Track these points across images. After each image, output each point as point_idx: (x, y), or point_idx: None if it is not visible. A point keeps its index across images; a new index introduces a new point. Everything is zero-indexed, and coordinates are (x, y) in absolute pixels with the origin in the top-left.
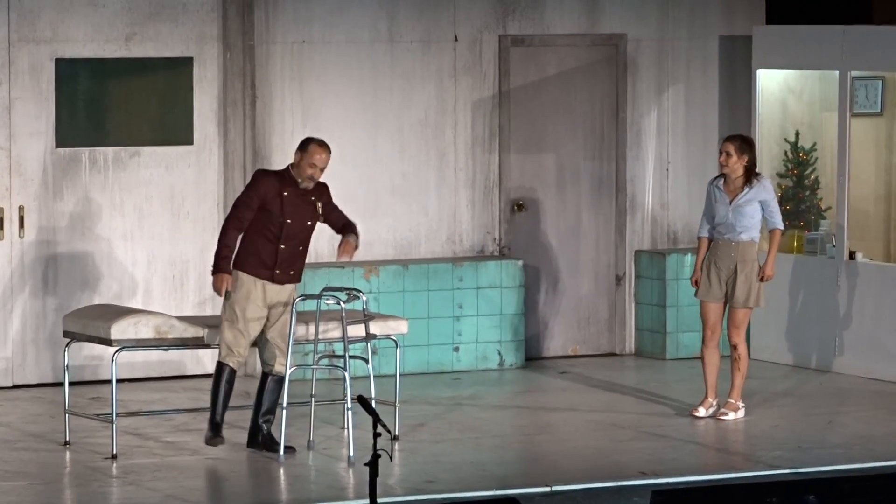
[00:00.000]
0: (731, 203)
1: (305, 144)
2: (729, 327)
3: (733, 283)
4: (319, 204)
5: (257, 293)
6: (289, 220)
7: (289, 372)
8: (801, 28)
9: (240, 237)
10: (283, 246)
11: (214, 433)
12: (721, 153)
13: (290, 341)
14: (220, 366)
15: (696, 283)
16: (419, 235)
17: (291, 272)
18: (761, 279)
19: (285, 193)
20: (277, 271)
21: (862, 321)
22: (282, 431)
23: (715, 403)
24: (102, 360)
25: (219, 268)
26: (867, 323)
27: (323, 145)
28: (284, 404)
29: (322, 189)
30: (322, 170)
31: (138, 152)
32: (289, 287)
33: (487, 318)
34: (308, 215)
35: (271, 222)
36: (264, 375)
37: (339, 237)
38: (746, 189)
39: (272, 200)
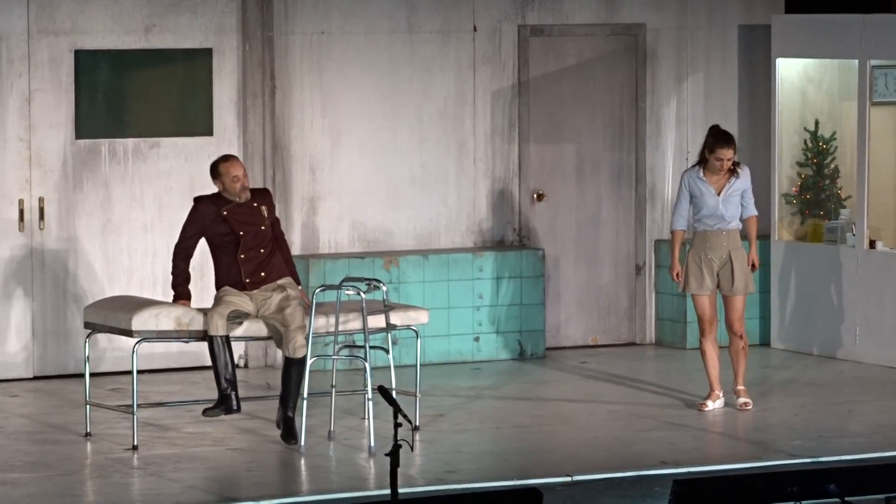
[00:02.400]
0: (719, 194)
1: (216, 168)
2: (732, 317)
3: (729, 272)
4: (264, 208)
5: (240, 292)
6: (241, 233)
7: (309, 362)
8: (821, 17)
9: (188, 264)
10: (242, 256)
11: (216, 403)
12: (720, 161)
13: (307, 326)
14: (207, 338)
15: (678, 277)
16: (439, 225)
17: (262, 274)
18: (752, 269)
19: (224, 212)
20: (247, 280)
21: (882, 310)
22: (303, 422)
23: (721, 395)
24: (122, 351)
25: (177, 295)
26: (888, 311)
27: (229, 158)
28: (305, 395)
29: (264, 195)
30: (244, 175)
31: (158, 143)
32: (270, 286)
33: (507, 307)
34: (258, 221)
35: (227, 239)
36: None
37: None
38: (734, 179)
39: (215, 222)
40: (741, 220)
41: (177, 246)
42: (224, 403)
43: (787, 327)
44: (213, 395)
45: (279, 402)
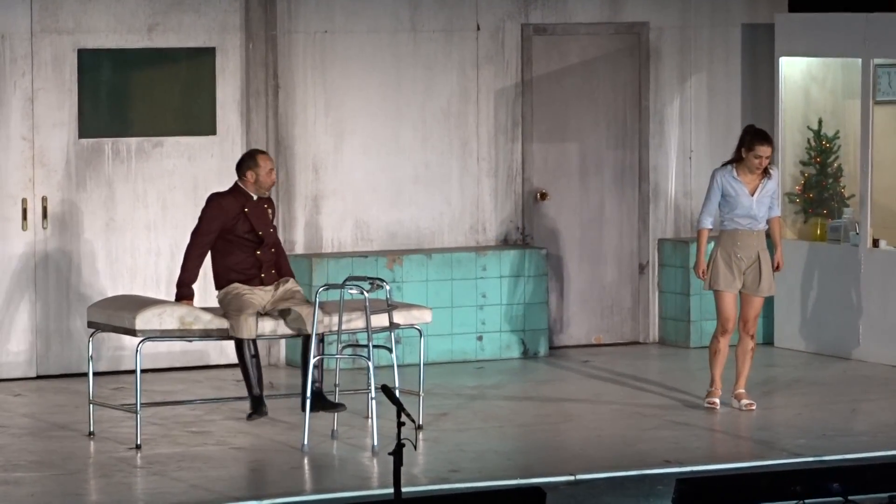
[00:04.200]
0: (753, 194)
1: (252, 160)
2: (749, 316)
3: (756, 271)
4: (270, 211)
5: (252, 287)
6: (260, 232)
7: (313, 360)
8: (824, 16)
9: (202, 262)
10: (259, 252)
11: (253, 408)
12: (758, 158)
13: (314, 315)
14: (238, 342)
15: (705, 275)
16: (442, 225)
17: (273, 271)
18: (777, 269)
19: (246, 209)
20: (263, 275)
21: (885, 309)
22: (306, 421)
23: (721, 391)
24: (125, 350)
25: (182, 294)
26: (891, 310)
27: (265, 152)
28: (308, 394)
29: (270, 201)
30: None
31: (161, 143)
32: (278, 282)
33: (511, 307)
34: (270, 222)
35: (243, 237)
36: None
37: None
38: (766, 179)
39: (236, 219)
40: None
41: (194, 242)
42: (262, 406)
43: (792, 326)
44: (216, 393)
45: (311, 389)
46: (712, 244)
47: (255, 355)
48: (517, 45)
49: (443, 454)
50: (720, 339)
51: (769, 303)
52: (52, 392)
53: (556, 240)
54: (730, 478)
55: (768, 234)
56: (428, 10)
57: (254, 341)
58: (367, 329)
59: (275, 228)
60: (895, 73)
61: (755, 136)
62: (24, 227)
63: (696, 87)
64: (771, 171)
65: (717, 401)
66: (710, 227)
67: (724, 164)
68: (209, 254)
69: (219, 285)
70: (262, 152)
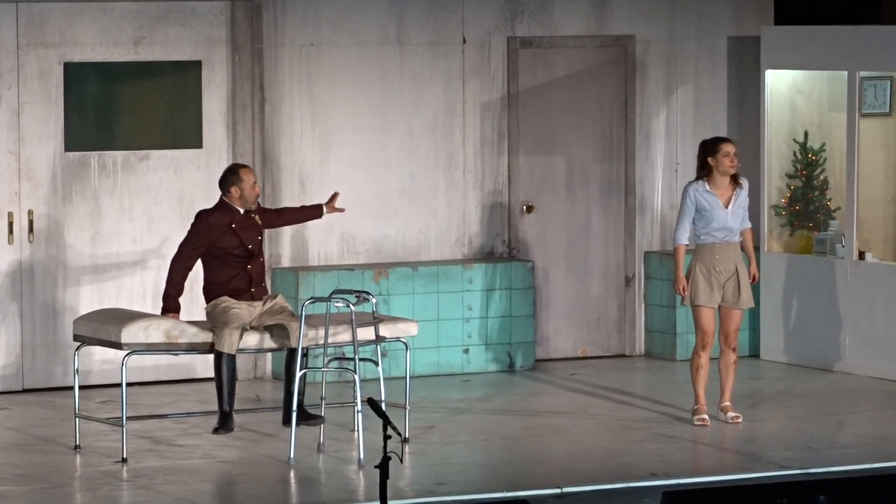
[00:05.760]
0: (728, 206)
1: (235, 175)
2: (729, 329)
3: (735, 284)
4: (257, 217)
5: (240, 302)
6: (249, 246)
7: (299, 374)
8: (810, 28)
9: (186, 276)
10: (249, 267)
11: (220, 423)
12: (728, 155)
13: (300, 329)
14: (217, 355)
15: (685, 291)
16: (428, 238)
17: (263, 284)
18: (752, 281)
19: (233, 224)
20: (253, 290)
21: (872, 321)
22: (293, 434)
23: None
24: (111, 363)
25: (167, 308)
26: (877, 323)
27: (246, 166)
28: (294, 406)
29: (258, 208)
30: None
31: (147, 156)
32: (267, 296)
33: (497, 319)
34: (258, 233)
35: (232, 253)
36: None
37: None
38: (739, 190)
39: (224, 235)
40: None
41: (180, 256)
42: (229, 421)
43: (777, 339)
44: (203, 407)
45: (296, 404)
46: (688, 260)
47: (233, 371)
48: (503, 58)
49: (429, 467)
50: (701, 354)
51: (755, 315)
52: (38, 405)
53: (543, 252)
54: (716, 490)
55: (742, 247)
56: (414, 23)
57: (233, 357)
58: (354, 342)
59: (275, 209)
60: (881, 86)
61: (715, 140)
62: (9, 241)
63: (683, 99)
64: (741, 181)
65: (707, 417)
66: (687, 242)
67: (696, 180)
68: (201, 269)
69: (208, 298)
70: (244, 166)
